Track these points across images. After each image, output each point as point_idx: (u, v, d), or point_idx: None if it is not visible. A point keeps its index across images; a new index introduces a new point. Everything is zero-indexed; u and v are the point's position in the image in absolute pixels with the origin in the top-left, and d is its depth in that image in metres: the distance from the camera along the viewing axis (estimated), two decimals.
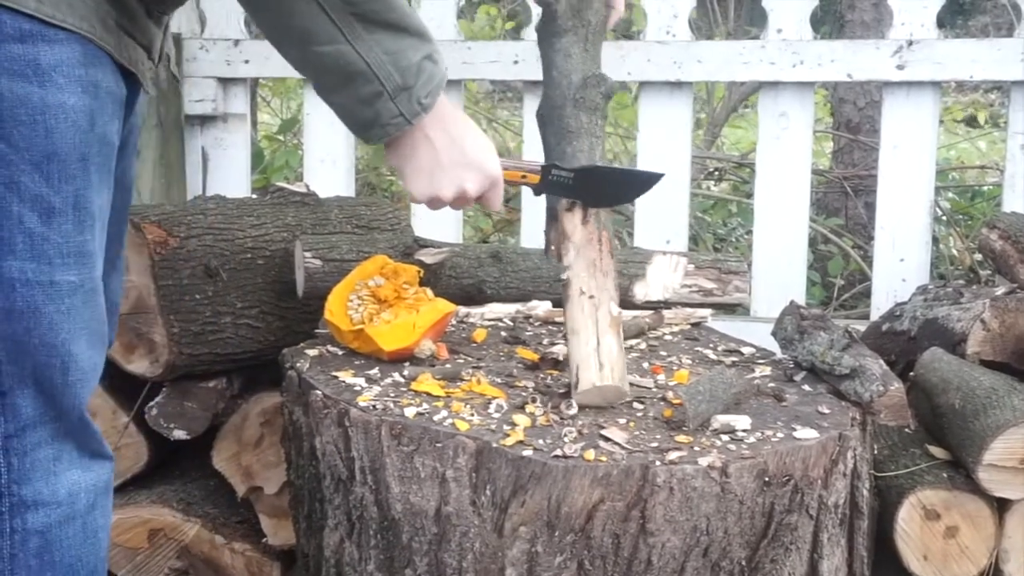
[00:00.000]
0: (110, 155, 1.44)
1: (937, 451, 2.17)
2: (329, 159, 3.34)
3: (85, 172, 1.38)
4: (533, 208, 3.21)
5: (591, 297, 1.71)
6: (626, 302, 2.17)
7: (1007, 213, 2.74)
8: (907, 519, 2.03)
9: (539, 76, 3.09)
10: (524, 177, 1.75)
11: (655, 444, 1.56)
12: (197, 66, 3.30)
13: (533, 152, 3.22)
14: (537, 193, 1.78)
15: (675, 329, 2.19)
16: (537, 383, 1.79)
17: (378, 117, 1.49)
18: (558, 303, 2.17)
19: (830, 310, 4.19)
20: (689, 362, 1.96)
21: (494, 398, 1.70)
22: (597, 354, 1.66)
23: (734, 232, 5.30)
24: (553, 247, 1.82)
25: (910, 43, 2.97)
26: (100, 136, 1.40)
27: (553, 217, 1.82)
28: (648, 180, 1.86)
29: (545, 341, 2.04)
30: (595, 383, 1.64)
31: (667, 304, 2.33)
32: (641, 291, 2.35)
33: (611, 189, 1.81)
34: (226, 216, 2.29)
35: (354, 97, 1.48)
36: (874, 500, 1.86)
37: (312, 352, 1.90)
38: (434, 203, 1.63)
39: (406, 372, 1.80)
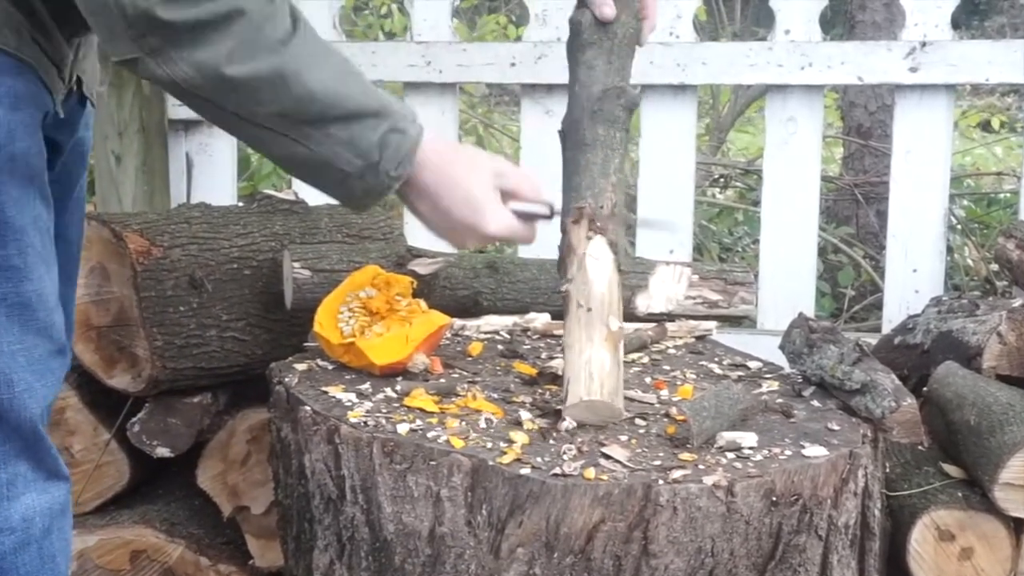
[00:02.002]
0: (36, 166, 1.42)
1: (951, 469, 2.17)
2: None
3: (3, 186, 1.36)
4: None
5: (589, 310, 1.70)
6: (628, 314, 2.21)
7: None
8: (920, 540, 2.03)
9: (537, 79, 3.14)
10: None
11: (658, 462, 1.54)
12: None
13: (532, 156, 3.18)
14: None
15: (679, 342, 2.17)
16: (535, 399, 1.77)
17: (352, 194, 1.54)
18: (557, 315, 2.14)
19: (840, 322, 4.20)
20: (693, 377, 1.95)
21: (490, 414, 1.68)
22: (588, 368, 1.64)
23: (740, 241, 5.33)
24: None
25: (923, 44, 2.96)
26: (22, 149, 1.38)
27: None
28: None
29: (543, 355, 2.03)
30: (583, 397, 1.63)
31: (670, 316, 2.32)
32: (643, 303, 2.34)
33: None
34: (211, 225, 2.30)
35: (325, 182, 1.52)
36: (886, 520, 1.91)
37: (301, 366, 1.89)
38: None
39: (399, 387, 1.78)
